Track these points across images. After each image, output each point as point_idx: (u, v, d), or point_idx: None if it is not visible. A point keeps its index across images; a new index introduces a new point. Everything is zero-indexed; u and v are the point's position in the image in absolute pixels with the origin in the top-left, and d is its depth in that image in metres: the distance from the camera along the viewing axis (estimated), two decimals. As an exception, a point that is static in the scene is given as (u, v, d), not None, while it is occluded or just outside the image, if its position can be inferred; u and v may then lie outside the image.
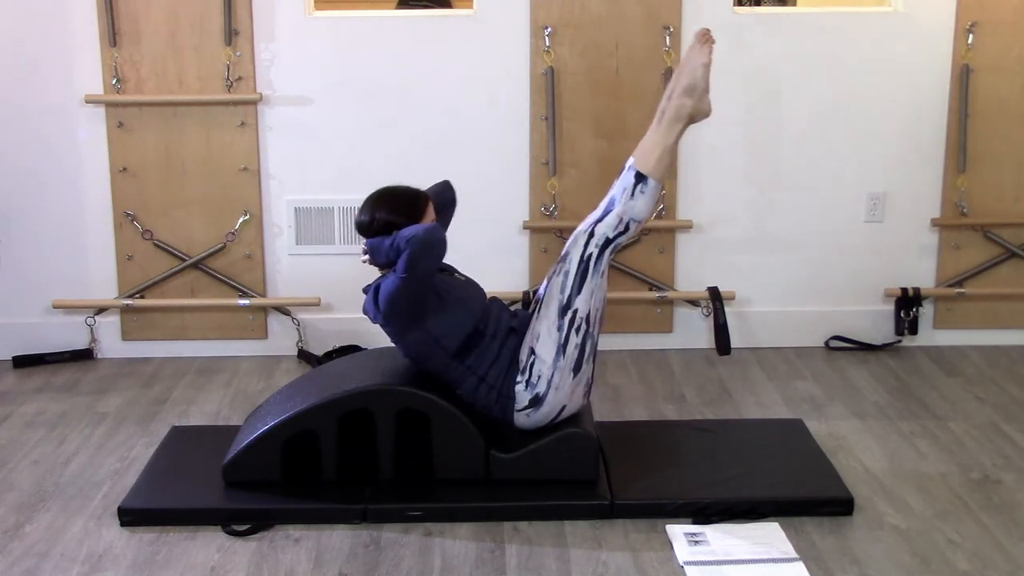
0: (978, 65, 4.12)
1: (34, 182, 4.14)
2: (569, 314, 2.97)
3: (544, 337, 2.98)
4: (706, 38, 3.05)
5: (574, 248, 2.99)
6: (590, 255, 2.97)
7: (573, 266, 2.98)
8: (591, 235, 2.97)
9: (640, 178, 2.96)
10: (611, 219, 2.97)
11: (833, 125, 4.18)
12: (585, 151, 4.16)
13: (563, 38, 4.07)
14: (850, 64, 4.14)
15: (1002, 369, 4.09)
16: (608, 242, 2.97)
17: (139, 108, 4.07)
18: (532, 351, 2.99)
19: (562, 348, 2.97)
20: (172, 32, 4.02)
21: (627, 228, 2.98)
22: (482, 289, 3.18)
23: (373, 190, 3.09)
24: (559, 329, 2.97)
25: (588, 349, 3.00)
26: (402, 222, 2.96)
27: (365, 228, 3.02)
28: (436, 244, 2.86)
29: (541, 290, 3.08)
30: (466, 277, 3.21)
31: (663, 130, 3.02)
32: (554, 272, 3.02)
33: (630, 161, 3.01)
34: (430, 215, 3.04)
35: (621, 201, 2.97)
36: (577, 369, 2.99)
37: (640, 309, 4.29)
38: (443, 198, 3.24)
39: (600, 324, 3.04)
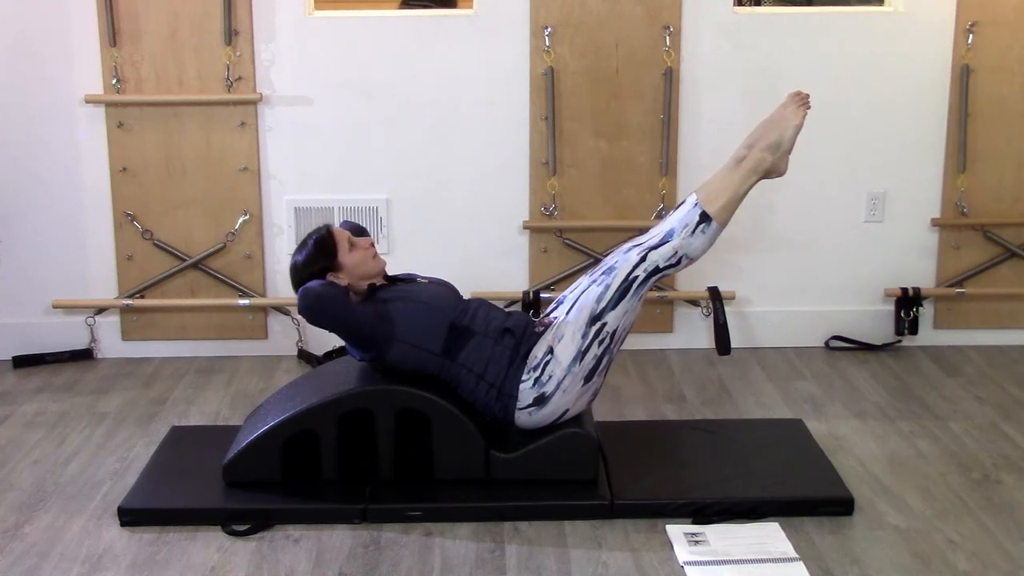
0: (978, 65, 4.12)
1: (34, 182, 4.14)
2: (598, 325, 2.98)
3: (567, 340, 2.99)
4: (803, 101, 3.06)
5: (622, 265, 3.00)
6: (635, 277, 2.99)
7: (616, 282, 2.99)
8: (643, 259, 2.99)
9: (705, 218, 2.97)
10: (666, 250, 2.99)
11: (833, 125, 4.18)
12: (585, 151, 4.16)
13: (563, 38, 4.07)
14: (850, 64, 4.14)
15: (1002, 369, 4.09)
16: (657, 270, 3.00)
17: (139, 108, 4.07)
18: (551, 350, 3.00)
19: (581, 355, 2.98)
20: (172, 32, 4.02)
21: (679, 262, 3.00)
22: (452, 287, 3.20)
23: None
24: (584, 336, 2.98)
25: (604, 363, 3.01)
26: (323, 265, 3.04)
27: (298, 286, 3.06)
28: (313, 304, 2.93)
29: (570, 293, 3.09)
30: (430, 278, 3.23)
31: (738, 178, 3.02)
32: (593, 281, 3.04)
33: (695, 197, 3.01)
34: (342, 238, 3.08)
35: (680, 235, 2.98)
36: (589, 378, 3.00)
37: (640, 309, 4.28)
38: (352, 228, 3.26)
39: (621, 343, 3.05)
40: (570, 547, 2.81)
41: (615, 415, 3.65)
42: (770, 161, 3.03)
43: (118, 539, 2.86)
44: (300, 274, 3.07)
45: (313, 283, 2.97)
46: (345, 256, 3.06)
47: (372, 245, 3.16)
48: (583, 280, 3.09)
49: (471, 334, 3.01)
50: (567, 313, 3.03)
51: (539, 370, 2.99)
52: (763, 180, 3.07)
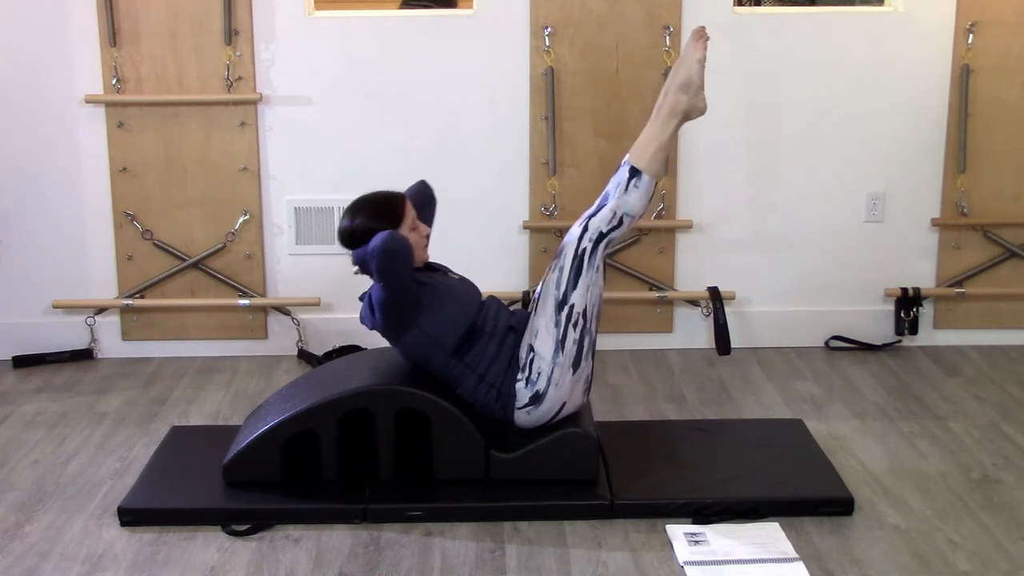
0: (978, 65, 4.12)
1: (34, 182, 4.14)
2: (566, 309, 2.97)
3: (542, 333, 2.98)
4: (701, 35, 3.08)
5: (568, 243, 3.00)
6: (584, 250, 2.98)
7: (568, 261, 2.98)
8: (585, 229, 2.98)
9: (634, 173, 2.98)
10: (605, 213, 2.98)
11: (833, 125, 4.18)
12: (585, 151, 4.16)
13: (563, 38, 4.07)
14: (850, 64, 4.14)
15: (1002, 369, 4.09)
16: (602, 236, 2.98)
17: (139, 108, 4.08)
18: (531, 348, 3.00)
19: (560, 344, 2.97)
20: (172, 32, 4.02)
21: (620, 223, 2.99)
22: (476, 287, 3.19)
23: (373, 189, 3.10)
24: (557, 325, 2.97)
25: (586, 345, 3.00)
26: (382, 226, 2.96)
27: (347, 238, 3.03)
28: (396, 250, 2.86)
29: (539, 288, 3.08)
30: (460, 276, 3.21)
31: (658, 126, 3.04)
32: (550, 269, 3.03)
33: (626, 157, 3.03)
34: (409, 214, 3.04)
35: (615, 195, 2.99)
36: (576, 365, 2.99)
37: (640, 309, 4.29)
38: (422, 196, 3.24)
39: (597, 320, 3.04)
40: (570, 547, 2.81)
41: (615, 415, 3.66)
42: (685, 101, 3.03)
43: (118, 539, 2.86)
44: (356, 229, 2.98)
45: (403, 235, 2.92)
46: (404, 232, 3.00)
47: (428, 236, 3.11)
48: (546, 270, 3.08)
49: (480, 334, 3.01)
50: (535, 308, 3.03)
51: (527, 370, 2.99)
52: (688, 122, 3.07)
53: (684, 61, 3.06)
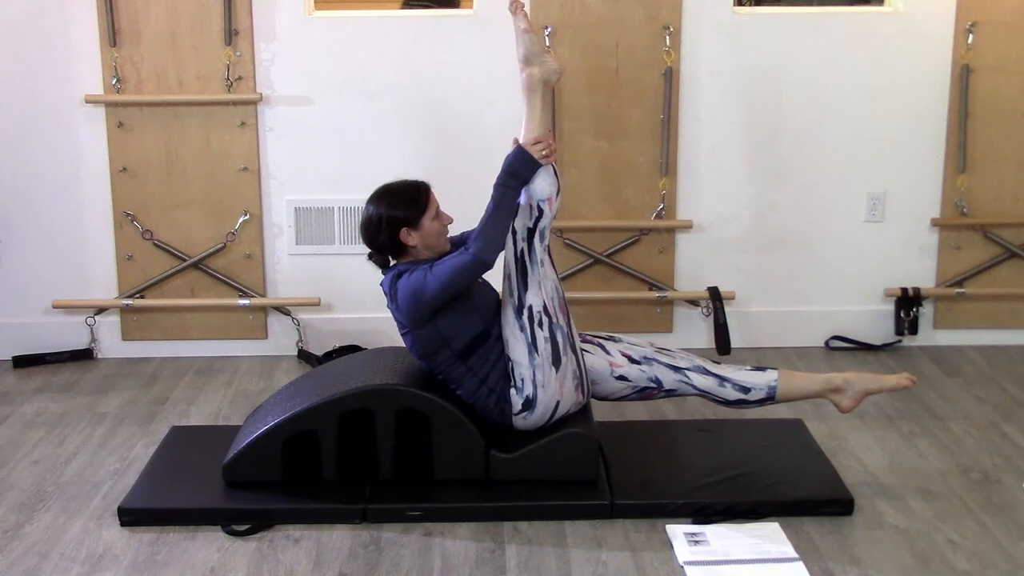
0: (978, 65, 4.12)
1: (34, 182, 4.14)
2: (526, 312, 2.99)
3: (512, 342, 3.00)
4: (513, 7, 3.13)
5: (507, 252, 3.02)
6: (521, 251, 3.00)
7: (511, 268, 3.01)
8: (514, 232, 3.00)
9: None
10: (524, 208, 3.00)
11: (833, 125, 4.18)
12: (585, 151, 4.16)
13: (563, 38, 4.07)
14: (850, 64, 4.14)
15: (1002, 369, 4.09)
16: (530, 232, 3.00)
17: (139, 108, 4.07)
18: (509, 358, 3.01)
19: (532, 346, 2.98)
20: (172, 32, 4.02)
21: (540, 211, 3.00)
22: (496, 292, 3.18)
23: (374, 189, 3.09)
24: (522, 329, 2.99)
25: (561, 340, 3.01)
26: (405, 215, 2.98)
27: (368, 227, 3.02)
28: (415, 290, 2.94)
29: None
30: (483, 280, 3.20)
31: (527, 103, 3.09)
32: (503, 279, 3.05)
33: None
34: (433, 203, 3.05)
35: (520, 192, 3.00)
36: (557, 363, 2.99)
37: (640, 309, 4.29)
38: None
39: (565, 314, 3.05)
40: (570, 547, 2.81)
41: (615, 415, 3.65)
42: (536, 72, 3.07)
43: (118, 539, 2.86)
44: (381, 217, 2.99)
45: (407, 283, 2.93)
46: (428, 220, 3.02)
47: (447, 225, 3.11)
48: None
49: (488, 338, 3.02)
50: (501, 320, 3.04)
51: (512, 378, 3.01)
52: (549, 87, 3.10)
53: (516, 38, 3.11)
